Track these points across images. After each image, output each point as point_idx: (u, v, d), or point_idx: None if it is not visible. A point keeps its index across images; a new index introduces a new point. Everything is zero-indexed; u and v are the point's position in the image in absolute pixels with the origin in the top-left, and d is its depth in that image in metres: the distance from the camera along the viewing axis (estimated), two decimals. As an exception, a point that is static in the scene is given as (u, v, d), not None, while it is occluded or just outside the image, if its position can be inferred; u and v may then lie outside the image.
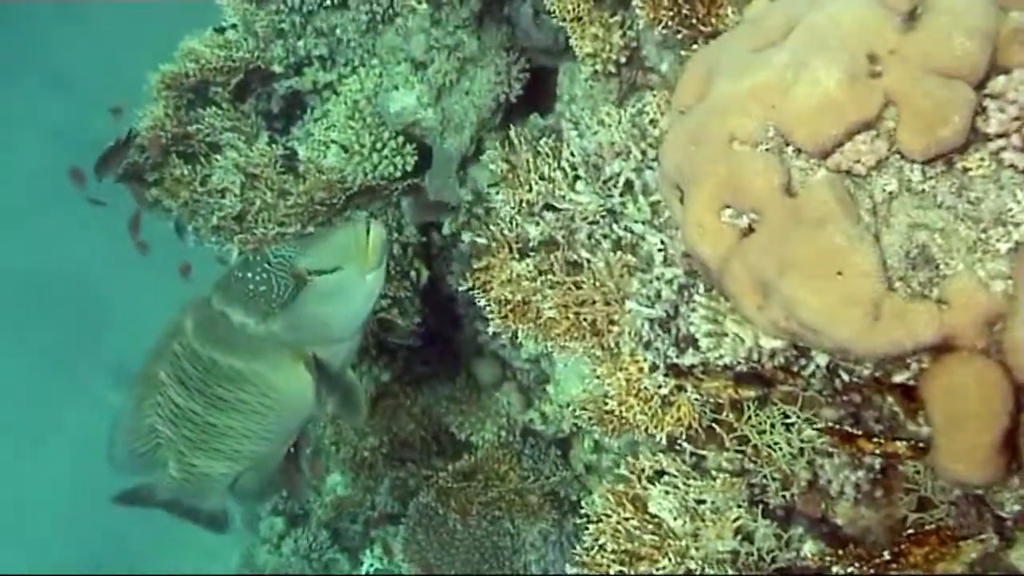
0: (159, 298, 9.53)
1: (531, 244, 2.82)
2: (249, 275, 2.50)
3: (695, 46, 2.57)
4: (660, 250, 2.58)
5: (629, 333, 2.57)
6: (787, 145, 1.82)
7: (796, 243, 1.74)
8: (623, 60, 2.97)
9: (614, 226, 2.64)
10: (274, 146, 4.05)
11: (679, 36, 2.60)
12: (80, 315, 10.21)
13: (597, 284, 2.61)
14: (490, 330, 2.87)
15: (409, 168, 3.83)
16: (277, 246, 2.55)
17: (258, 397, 2.64)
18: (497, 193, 2.96)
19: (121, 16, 11.33)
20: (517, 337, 2.81)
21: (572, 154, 2.84)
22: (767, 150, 1.81)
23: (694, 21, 2.56)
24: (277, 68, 4.15)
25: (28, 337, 9.95)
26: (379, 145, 3.80)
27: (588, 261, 2.64)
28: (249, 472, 2.86)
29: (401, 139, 3.83)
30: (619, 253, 2.59)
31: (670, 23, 2.58)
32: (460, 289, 3.50)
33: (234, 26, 4.18)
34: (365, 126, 3.84)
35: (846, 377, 2.09)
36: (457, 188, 3.76)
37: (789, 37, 1.88)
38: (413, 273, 3.93)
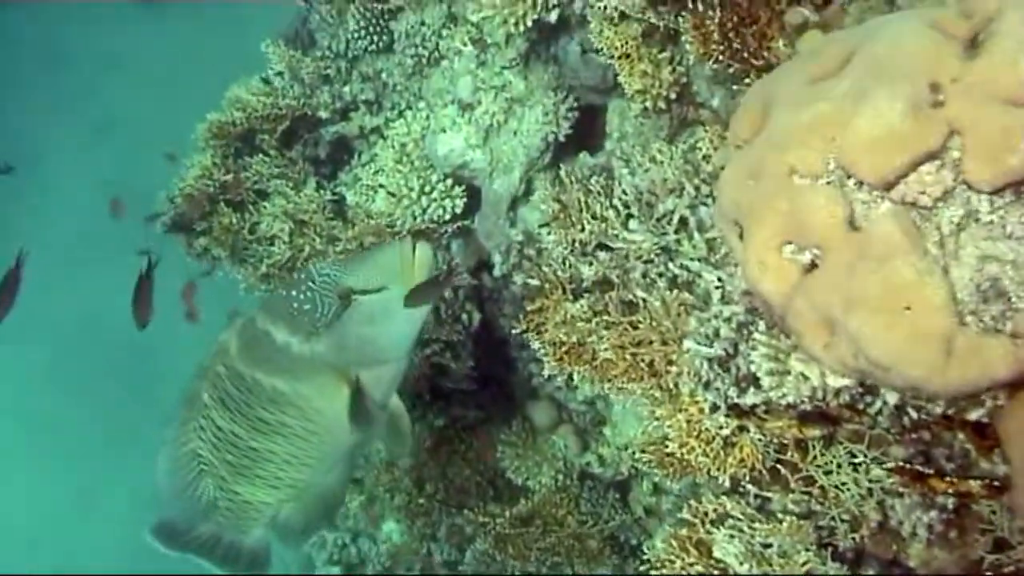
0: (203, 349, 9.57)
1: (585, 284, 2.77)
2: (294, 293, 2.47)
3: (747, 80, 2.53)
4: (717, 287, 2.53)
5: (688, 373, 2.52)
6: (848, 178, 1.76)
7: (862, 278, 1.68)
8: (673, 96, 2.93)
9: (669, 264, 2.59)
10: (322, 192, 4.05)
11: (731, 71, 2.55)
12: (133, 367, 10.23)
13: (654, 324, 2.56)
14: (545, 373, 2.82)
15: (458, 210, 3.80)
16: (322, 264, 2.51)
17: (301, 420, 2.58)
18: (549, 233, 2.91)
19: (168, 63, 11.45)
20: (573, 379, 2.76)
21: (624, 192, 2.81)
22: (828, 183, 1.76)
23: (746, 55, 2.52)
24: (323, 114, 4.16)
25: (82, 389, 9.99)
26: (427, 188, 3.78)
27: (644, 300, 2.58)
28: (292, 506, 2.76)
29: (450, 181, 3.80)
30: (675, 291, 2.53)
31: (721, 57, 2.54)
32: (513, 331, 3.47)
33: (280, 74, 4.18)
34: (413, 169, 3.83)
35: (915, 415, 2.03)
36: (508, 229, 3.72)
37: (847, 68, 1.83)
38: (464, 316, 3.89)
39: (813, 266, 1.78)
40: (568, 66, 3.41)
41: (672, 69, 2.93)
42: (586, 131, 3.71)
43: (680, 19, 2.87)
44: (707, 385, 2.52)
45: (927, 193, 1.73)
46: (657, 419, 2.60)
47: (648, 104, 2.96)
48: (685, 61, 2.94)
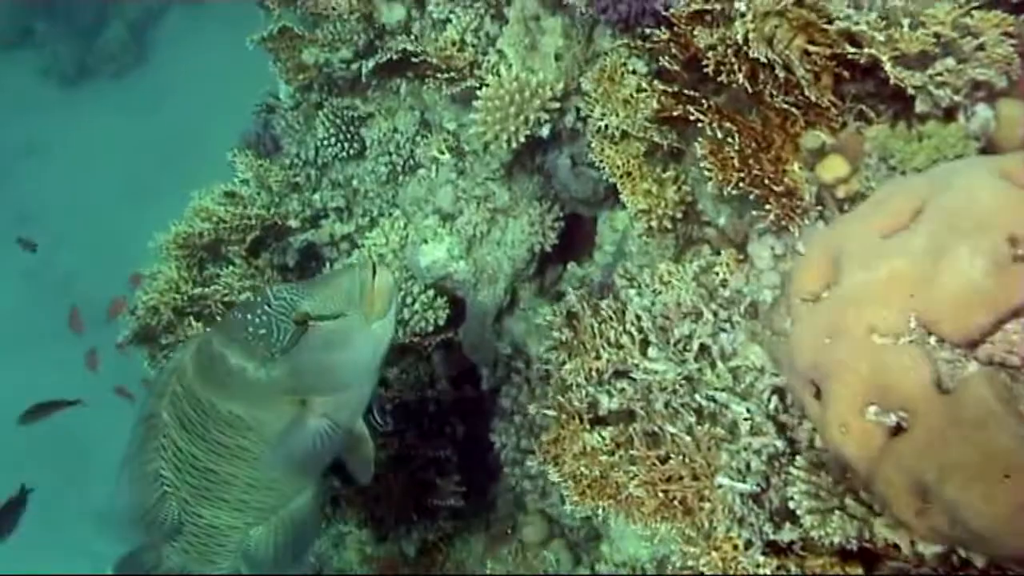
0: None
1: (603, 414, 2.70)
2: (249, 317, 2.33)
3: (768, 207, 2.49)
4: (746, 419, 2.48)
5: (722, 509, 2.44)
6: (930, 335, 1.72)
7: (956, 445, 1.63)
8: (679, 215, 2.88)
9: (695, 395, 2.52)
10: (295, 305, 3.93)
11: (751, 197, 2.51)
12: (61, 461, 9.93)
13: (684, 458, 2.48)
14: (567, 508, 2.73)
15: (441, 322, 3.71)
16: (279, 288, 2.38)
17: (260, 445, 2.45)
18: (559, 359, 2.84)
19: (86, 151, 11.25)
20: (598, 516, 2.67)
21: (637, 316, 2.74)
22: (910, 342, 1.71)
23: (766, 181, 2.48)
24: (293, 223, 4.05)
25: (9, 487, 9.64)
26: (409, 300, 3.69)
27: (671, 434, 2.51)
28: (261, 532, 2.60)
29: (432, 292, 3.72)
30: (705, 424, 2.47)
31: (741, 184, 2.49)
32: (503, 448, 3.39)
33: (245, 181, 4.07)
34: (400, 300, 3.73)
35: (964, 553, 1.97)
36: (495, 342, 3.64)
37: (920, 220, 1.80)
38: (448, 429, 3.80)
39: (899, 429, 1.73)
40: (558, 179, 3.36)
41: (677, 188, 2.88)
42: (570, 239, 3.66)
43: (681, 137, 2.85)
44: (741, 521, 2.45)
45: (1015, 352, 1.68)
46: (693, 559, 2.51)
47: (653, 223, 2.91)
48: (690, 179, 2.88)
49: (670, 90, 2.62)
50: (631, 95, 2.93)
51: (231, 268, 3.98)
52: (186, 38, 11.52)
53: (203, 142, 10.67)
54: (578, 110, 3.21)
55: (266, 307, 2.33)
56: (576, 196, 3.35)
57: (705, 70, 2.53)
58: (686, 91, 2.59)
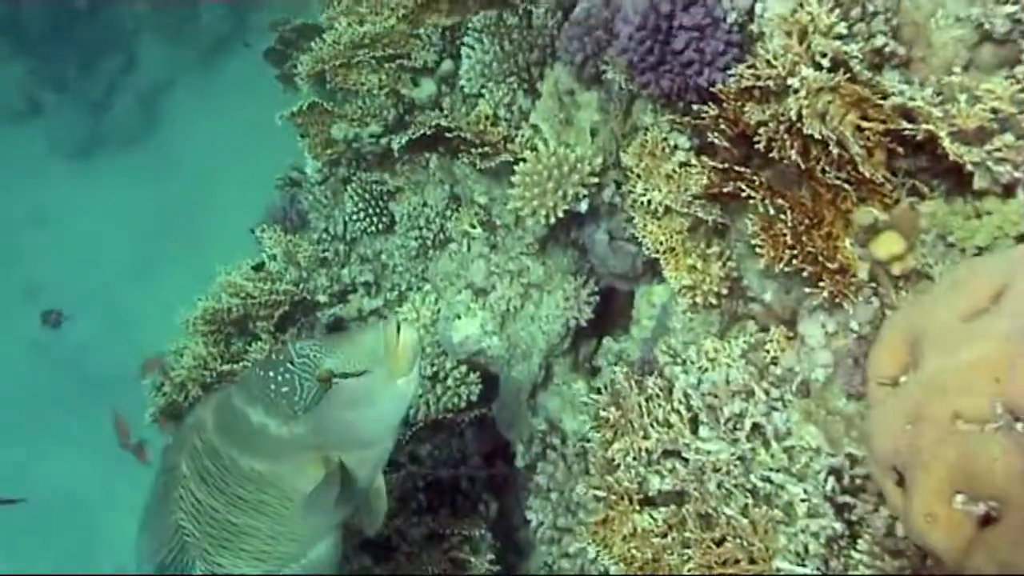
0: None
1: (652, 495, 2.64)
2: (271, 374, 2.33)
3: (822, 284, 2.46)
4: (803, 500, 2.43)
5: (782, 594, 2.39)
6: (1017, 421, 1.67)
7: (1051, 535, 1.58)
8: (724, 291, 2.84)
9: (750, 476, 2.47)
10: (325, 381, 3.88)
11: (804, 273, 2.48)
12: (72, 536, 9.84)
13: (740, 541, 2.42)
14: (611, 589, 2.67)
15: (474, 398, 3.67)
16: (302, 345, 2.36)
17: (281, 500, 2.46)
18: (604, 438, 2.79)
19: (95, 223, 11.25)
20: (650, 600, 2.61)
21: (685, 395, 2.70)
22: (997, 429, 1.67)
23: (820, 258, 2.45)
24: (321, 298, 4.01)
25: (21, 562, 9.55)
26: (441, 375, 3.64)
27: (727, 515, 2.46)
28: None
29: (464, 368, 3.67)
30: (763, 507, 2.41)
31: (794, 260, 2.46)
32: (537, 524, 3.32)
33: (273, 257, 4.05)
34: (425, 356, 3.69)
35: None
36: (530, 418, 3.59)
37: (1002, 302, 1.76)
38: (482, 506, 3.73)
39: (989, 518, 1.68)
40: (595, 253, 3.32)
41: (722, 263, 2.85)
42: (602, 313, 3.62)
43: (725, 212, 2.82)
44: (801, 606, 2.39)
45: (1107, 439, 1.64)
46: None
47: (698, 299, 2.87)
48: (735, 255, 2.85)
49: (720, 166, 2.58)
50: (674, 170, 2.91)
51: (259, 344, 3.94)
52: (196, 108, 11.56)
53: (212, 212, 10.69)
54: (617, 184, 3.18)
55: (288, 364, 2.32)
56: (614, 271, 3.31)
57: (756, 146, 2.50)
58: (736, 167, 2.56)
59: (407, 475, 3.67)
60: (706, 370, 2.76)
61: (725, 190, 2.59)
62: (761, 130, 2.49)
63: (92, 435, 10.35)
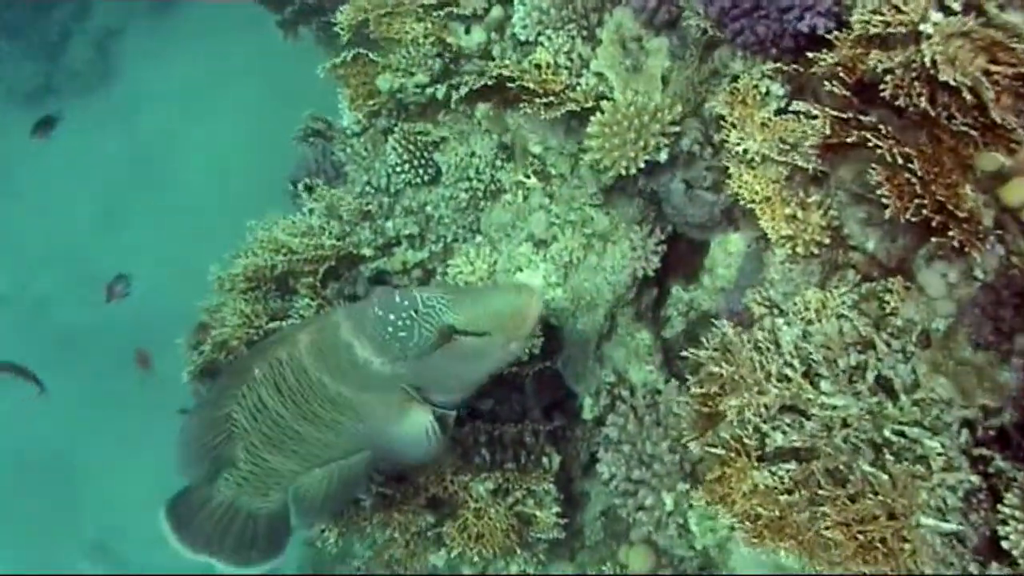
0: (133, 472, 9.10)
1: (773, 451, 2.61)
2: (392, 317, 2.43)
3: (951, 232, 2.42)
4: (940, 454, 2.40)
5: (925, 550, 2.37)
6: None
7: None
8: (826, 241, 2.80)
9: (883, 431, 2.44)
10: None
11: (932, 224, 2.44)
12: (56, 491, 9.68)
13: (879, 497, 2.40)
14: (742, 549, 2.64)
15: (536, 351, 3.59)
16: (429, 295, 2.45)
17: (354, 420, 2.62)
18: (708, 393, 2.75)
19: (55, 173, 10.97)
20: (779, 555, 2.58)
21: (795, 347, 2.66)
22: None
23: (947, 206, 2.41)
24: (366, 251, 3.91)
25: (4, 517, 9.40)
26: (502, 330, 3.56)
27: (864, 472, 2.43)
28: (315, 476, 2.81)
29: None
30: (904, 462, 2.39)
31: (922, 210, 2.42)
32: (610, 477, 3.29)
33: (311, 211, 3.94)
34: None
35: None
36: (598, 370, 3.54)
37: None
38: (545, 460, 3.69)
39: None
40: (671, 203, 3.26)
41: (823, 212, 2.80)
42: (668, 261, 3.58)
43: (824, 161, 2.77)
44: (943, 561, 2.38)
45: None
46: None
47: (799, 249, 2.83)
48: (835, 203, 2.80)
49: (841, 115, 2.52)
50: (769, 118, 2.85)
51: (305, 301, 3.83)
52: (152, 52, 11.26)
53: (175, 161, 10.45)
54: (700, 132, 3.11)
55: (412, 312, 2.42)
56: (690, 220, 3.26)
57: (882, 94, 2.45)
58: (858, 116, 2.51)
59: (471, 430, 3.61)
60: (811, 322, 2.72)
61: (848, 140, 2.52)
62: (888, 78, 2.43)
63: (64, 390, 10.16)
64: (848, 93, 2.51)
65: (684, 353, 2.85)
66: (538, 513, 3.65)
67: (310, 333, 2.58)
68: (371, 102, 3.86)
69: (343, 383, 2.55)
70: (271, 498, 2.88)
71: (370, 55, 3.74)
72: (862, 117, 2.49)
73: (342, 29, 3.79)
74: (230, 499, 2.86)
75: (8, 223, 10.93)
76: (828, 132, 2.56)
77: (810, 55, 2.58)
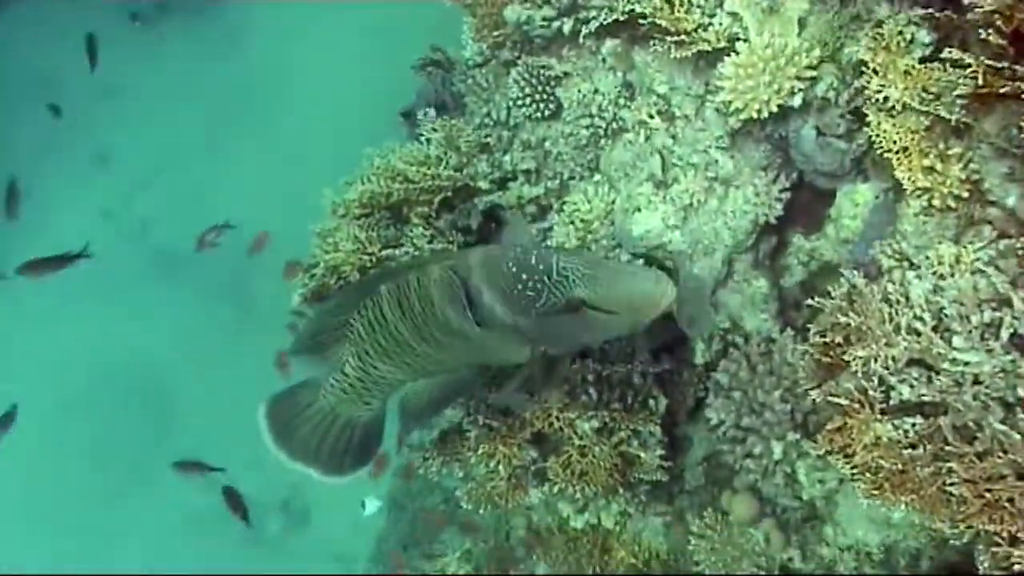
0: (226, 391, 9.26)
1: (898, 404, 2.57)
2: (524, 276, 2.48)
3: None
4: (1074, 416, 2.34)
5: (1053, 511, 2.33)
6: None
7: None
8: (965, 194, 2.73)
9: (1019, 389, 2.39)
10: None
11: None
12: (149, 409, 9.89)
13: (1010, 456, 2.35)
14: (861, 501, 2.61)
15: (651, 293, 3.56)
16: (565, 261, 2.49)
17: (471, 349, 2.71)
18: (835, 342, 2.71)
19: (164, 94, 11.10)
20: (895, 508, 2.55)
21: (926, 301, 2.60)
22: None
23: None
24: (482, 184, 3.91)
25: (97, 432, 9.62)
26: (616, 269, 3.54)
27: (993, 429, 2.38)
28: (419, 388, 2.93)
29: (640, 262, 3.58)
30: (1029, 420, 2.34)
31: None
32: (718, 423, 3.27)
33: (428, 140, 3.93)
34: (600, 248, 3.60)
35: None
36: (712, 315, 3.51)
37: None
38: (652, 402, 3.68)
39: None
40: (800, 149, 3.21)
41: (963, 165, 2.73)
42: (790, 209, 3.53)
43: (968, 112, 2.70)
44: (1070, 523, 2.33)
45: None
46: (1008, 559, 2.40)
47: (936, 202, 2.77)
48: (976, 156, 2.73)
49: (996, 65, 2.45)
50: (913, 66, 2.78)
51: (418, 230, 3.84)
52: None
53: (285, 88, 10.50)
54: (836, 78, 3.05)
55: (545, 278, 2.46)
56: (820, 168, 3.21)
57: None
58: (1014, 67, 2.43)
59: (579, 367, 3.61)
60: (943, 276, 2.66)
61: (1001, 91, 2.45)
62: (1050, 27, 2.35)
63: (162, 309, 10.36)
64: (1004, 42, 2.42)
65: (808, 302, 2.79)
66: (642, 455, 3.66)
67: (442, 267, 2.62)
68: (496, 33, 3.83)
69: (465, 320, 2.60)
70: (372, 406, 2.93)
71: (498, -15, 3.70)
72: (1017, 67, 2.40)
73: (469, -35, 3.76)
74: (332, 405, 2.93)
75: (117, 142, 11.10)
76: (981, 82, 2.47)
77: (965, 1, 2.49)
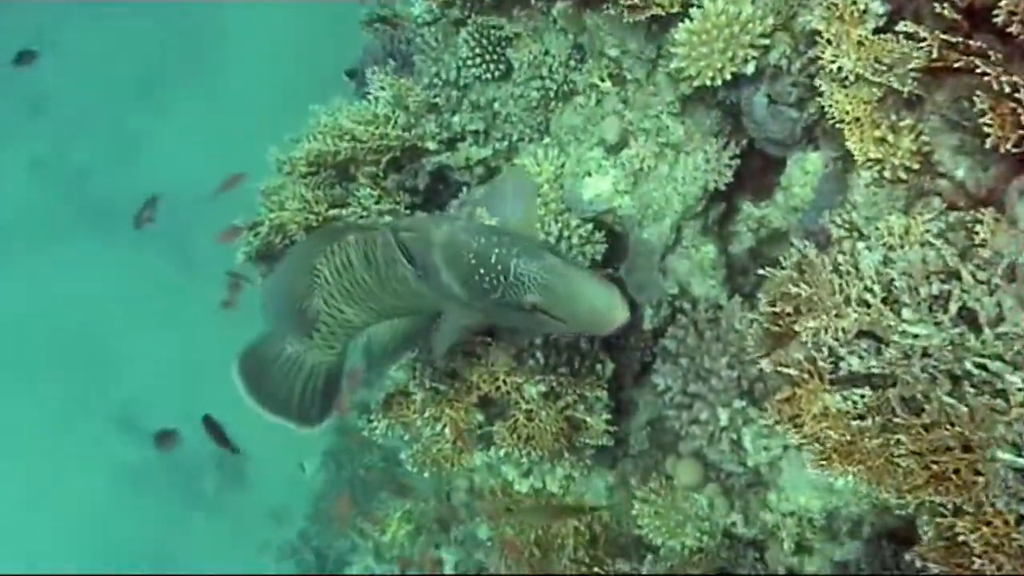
0: (162, 341, 9.15)
1: (847, 376, 2.59)
2: (482, 271, 2.48)
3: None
4: (1020, 389, 2.38)
5: (997, 484, 2.36)
6: None
7: None
8: (916, 166, 2.74)
9: (963, 363, 2.41)
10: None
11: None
12: (83, 361, 9.76)
13: (955, 429, 2.38)
14: (809, 469, 2.63)
15: (599, 257, 3.57)
16: (523, 267, 2.44)
17: (424, 304, 2.83)
18: (780, 313, 2.72)
19: (101, 46, 10.88)
20: (843, 478, 2.58)
21: (877, 272, 2.62)
22: None
23: (1051, 137, 2.36)
24: (431, 145, 3.87)
25: (30, 388, 9.48)
26: (566, 233, 3.54)
27: (940, 402, 2.41)
28: (380, 332, 3.09)
29: (589, 227, 3.57)
30: (984, 395, 2.36)
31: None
32: (665, 389, 3.28)
33: (377, 99, 3.88)
34: (549, 212, 3.58)
35: None
36: (661, 281, 3.51)
37: None
38: (599, 367, 3.68)
39: None
40: (752, 117, 3.20)
41: (914, 137, 2.74)
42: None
43: (920, 85, 2.71)
44: (1015, 495, 2.37)
45: None
46: (953, 529, 2.43)
47: (886, 173, 2.78)
48: (927, 128, 2.74)
49: (951, 39, 2.45)
50: (866, 37, 2.77)
51: (366, 190, 3.80)
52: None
53: (225, 43, 10.33)
54: (789, 47, 3.04)
55: (502, 277, 2.44)
56: (770, 136, 3.21)
57: (994, 20, 2.38)
58: (968, 41, 2.44)
59: (525, 333, 3.60)
60: (893, 248, 2.67)
61: (954, 64, 2.45)
62: (1003, 3, 2.36)
63: (96, 260, 10.20)
64: (959, 16, 2.43)
65: (759, 272, 2.80)
66: (588, 419, 3.67)
67: (409, 233, 2.64)
68: (446, -9, 3.77)
69: (423, 285, 2.65)
70: (335, 349, 3.02)
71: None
72: (971, 42, 2.41)
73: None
74: (300, 353, 3.03)
75: (51, 93, 10.88)
76: (935, 56, 2.47)
77: (921, -25, 2.49)
